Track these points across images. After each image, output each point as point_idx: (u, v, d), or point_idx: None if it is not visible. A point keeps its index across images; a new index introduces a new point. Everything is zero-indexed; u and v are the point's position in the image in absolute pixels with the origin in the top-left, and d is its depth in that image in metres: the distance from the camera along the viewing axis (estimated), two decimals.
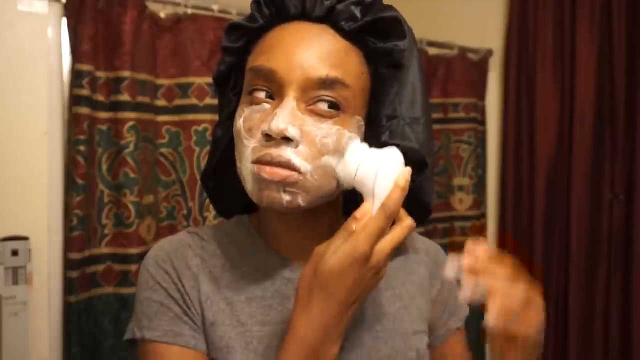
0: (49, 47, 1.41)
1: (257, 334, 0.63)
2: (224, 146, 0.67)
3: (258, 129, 0.58)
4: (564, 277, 1.99)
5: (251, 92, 0.60)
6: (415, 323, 0.71)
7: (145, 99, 1.50)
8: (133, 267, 1.47)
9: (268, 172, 0.57)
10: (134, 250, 1.47)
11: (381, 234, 0.54)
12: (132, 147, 1.46)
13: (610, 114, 1.90)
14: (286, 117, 0.56)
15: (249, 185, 0.60)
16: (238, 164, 0.61)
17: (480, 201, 2.16)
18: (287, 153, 0.57)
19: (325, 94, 0.59)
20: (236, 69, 0.66)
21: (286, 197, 0.58)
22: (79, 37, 1.40)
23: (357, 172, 0.56)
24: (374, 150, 0.58)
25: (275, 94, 0.59)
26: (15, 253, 1.35)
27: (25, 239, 1.37)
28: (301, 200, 0.59)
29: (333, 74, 0.58)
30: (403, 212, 0.57)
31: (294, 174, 0.57)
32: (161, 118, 1.56)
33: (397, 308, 0.70)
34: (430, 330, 0.74)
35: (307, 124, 0.58)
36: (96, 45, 1.42)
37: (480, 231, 2.13)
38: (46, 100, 1.40)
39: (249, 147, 0.59)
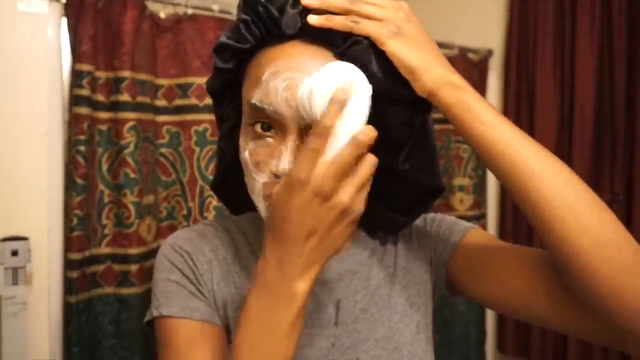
0: (49, 47, 1.41)
1: None
2: (230, 157, 0.69)
3: (265, 164, 0.60)
4: None
5: (253, 124, 0.61)
6: (411, 296, 0.71)
7: (145, 99, 1.50)
8: (133, 267, 1.47)
9: None
10: (134, 250, 1.47)
11: (315, 155, 0.51)
12: (132, 147, 1.46)
13: (609, 114, 1.91)
14: (290, 156, 0.57)
15: (262, 213, 0.62)
16: (250, 192, 0.63)
17: (480, 201, 2.16)
18: None
19: None
20: (232, 84, 0.66)
21: None
22: (79, 36, 1.40)
23: (309, 105, 0.54)
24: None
25: (276, 127, 0.60)
26: (15, 253, 1.35)
27: (25, 239, 1.37)
28: None
29: None
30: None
31: None
32: (161, 118, 1.56)
33: (392, 287, 0.71)
34: (440, 271, 0.73)
35: None
36: (96, 45, 1.42)
37: None
38: (46, 100, 1.40)
39: (258, 182, 0.61)
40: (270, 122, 0.60)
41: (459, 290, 0.73)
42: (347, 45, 0.59)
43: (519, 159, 0.55)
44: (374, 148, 0.60)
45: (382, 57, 0.58)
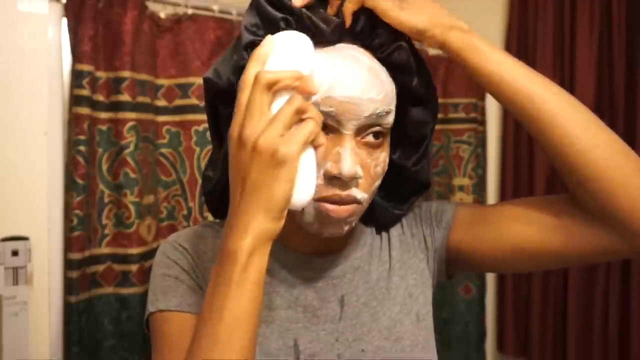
0: (49, 47, 1.41)
1: (264, 319, 0.66)
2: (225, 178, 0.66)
3: (319, 166, 0.58)
4: (562, 277, 1.99)
5: None
6: (410, 286, 0.72)
7: (145, 99, 1.50)
8: (133, 267, 1.47)
9: (338, 212, 0.59)
10: (134, 250, 1.47)
11: (248, 105, 0.50)
12: (132, 147, 1.46)
13: (609, 114, 1.91)
14: (353, 158, 0.58)
15: (308, 218, 0.61)
16: None
17: (480, 201, 2.16)
18: (353, 192, 0.59)
19: (376, 125, 0.61)
20: None
21: (346, 227, 0.62)
22: (79, 37, 1.40)
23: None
24: None
25: (329, 129, 0.59)
26: (15, 253, 1.35)
27: (25, 239, 1.37)
28: (353, 224, 0.63)
29: (384, 106, 0.61)
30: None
31: (356, 206, 0.60)
32: (161, 118, 1.56)
33: (390, 279, 0.72)
34: (437, 252, 0.74)
35: (363, 157, 0.60)
36: (96, 45, 1.42)
37: None
38: (46, 100, 1.40)
39: None
40: (323, 125, 0.58)
41: (463, 262, 0.73)
42: (390, 50, 0.62)
43: (531, 90, 0.60)
44: (393, 145, 0.67)
45: (416, 58, 0.65)
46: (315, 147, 0.54)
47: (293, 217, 0.61)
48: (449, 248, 0.73)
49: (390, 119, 0.62)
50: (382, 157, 0.63)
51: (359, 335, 0.68)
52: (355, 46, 0.62)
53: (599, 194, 0.58)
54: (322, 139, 0.54)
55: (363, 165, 0.60)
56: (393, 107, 0.62)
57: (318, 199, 0.59)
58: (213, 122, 0.66)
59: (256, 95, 0.50)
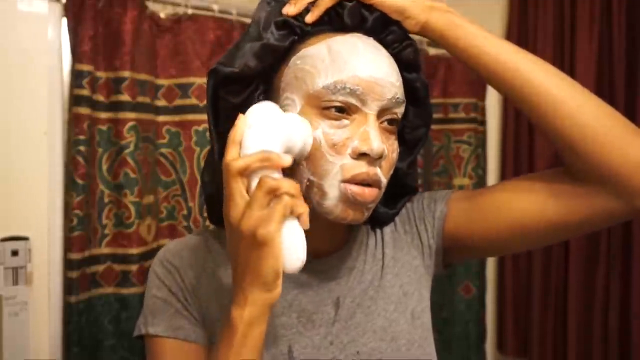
0: (49, 47, 1.41)
1: None
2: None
3: (345, 145, 0.59)
4: (563, 276, 1.99)
5: (326, 108, 0.60)
6: (404, 284, 0.71)
7: (145, 99, 1.50)
8: (133, 267, 1.47)
9: (364, 195, 0.59)
10: (134, 250, 1.47)
11: (229, 192, 0.54)
12: (132, 147, 1.46)
13: None
14: (379, 136, 0.60)
15: (331, 202, 0.61)
16: (317, 177, 0.60)
17: None
18: (378, 171, 0.60)
19: (395, 112, 0.63)
20: (270, 68, 0.64)
21: (366, 214, 0.63)
22: (79, 37, 1.40)
23: None
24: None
25: (352, 109, 0.60)
26: (15, 253, 1.35)
27: (25, 239, 1.37)
28: (371, 212, 0.64)
29: (402, 92, 0.63)
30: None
31: (379, 191, 0.62)
32: (161, 118, 1.56)
33: (384, 277, 0.71)
34: (432, 245, 0.73)
35: (384, 140, 0.61)
36: (96, 45, 1.42)
37: None
38: (46, 100, 1.40)
39: (335, 164, 0.59)
40: (347, 106, 0.60)
41: (461, 248, 0.72)
42: (402, 47, 0.65)
43: (513, 60, 0.62)
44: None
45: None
46: (297, 216, 0.54)
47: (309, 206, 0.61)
48: (446, 237, 0.72)
49: (402, 109, 0.64)
50: (395, 145, 0.64)
51: (353, 337, 0.67)
52: (372, 38, 0.64)
53: (591, 154, 0.59)
54: (302, 207, 0.54)
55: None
56: (405, 99, 0.64)
57: (344, 181, 0.59)
58: (214, 121, 0.64)
59: (231, 183, 0.53)
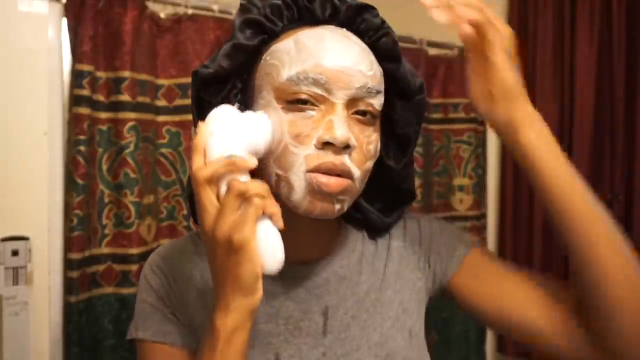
0: (49, 47, 1.41)
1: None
2: None
3: (309, 136, 0.58)
4: (563, 276, 1.99)
5: (292, 100, 0.59)
6: (404, 301, 0.70)
7: (145, 99, 1.50)
8: (133, 267, 1.47)
9: (331, 185, 0.57)
10: (134, 250, 1.47)
11: (199, 201, 0.54)
12: (132, 147, 1.46)
13: (609, 114, 1.91)
14: (345, 124, 0.57)
15: (298, 194, 0.59)
16: (282, 170, 0.59)
17: (480, 201, 2.16)
18: (346, 160, 0.58)
19: (368, 102, 0.60)
20: (242, 68, 0.64)
21: (337, 206, 0.60)
22: (79, 37, 1.40)
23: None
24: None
25: (319, 100, 0.59)
26: (15, 253, 1.35)
27: (25, 239, 1.37)
28: (345, 206, 0.61)
29: (374, 84, 0.60)
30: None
31: (350, 182, 0.59)
32: (161, 118, 1.56)
33: (383, 292, 0.69)
34: (438, 277, 0.73)
35: (355, 131, 0.59)
36: (96, 45, 1.42)
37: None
38: (46, 100, 1.40)
39: (299, 155, 0.58)
40: (312, 97, 0.58)
41: (460, 304, 0.73)
42: (378, 36, 0.63)
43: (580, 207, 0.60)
44: (383, 144, 0.66)
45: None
46: (270, 216, 0.54)
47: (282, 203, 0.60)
48: (450, 284, 0.72)
49: (379, 100, 0.62)
50: (374, 137, 0.62)
51: (347, 350, 0.65)
52: (344, 29, 0.63)
53: (605, 311, 0.58)
54: (273, 207, 0.54)
55: (356, 138, 0.59)
56: (382, 90, 0.62)
57: (310, 170, 0.58)
58: (196, 122, 0.65)
59: (201, 192, 0.53)
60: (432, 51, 2.02)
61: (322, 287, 0.67)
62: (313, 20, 0.63)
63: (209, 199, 0.53)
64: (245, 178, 0.55)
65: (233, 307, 0.53)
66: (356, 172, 0.59)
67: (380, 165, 0.67)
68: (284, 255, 0.55)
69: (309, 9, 0.62)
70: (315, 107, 0.59)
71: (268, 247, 0.54)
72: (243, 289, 0.53)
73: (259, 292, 0.54)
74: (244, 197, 0.52)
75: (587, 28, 1.93)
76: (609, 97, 1.90)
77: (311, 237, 0.68)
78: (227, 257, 0.52)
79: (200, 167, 0.54)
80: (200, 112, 0.63)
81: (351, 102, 0.59)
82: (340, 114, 0.58)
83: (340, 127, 0.57)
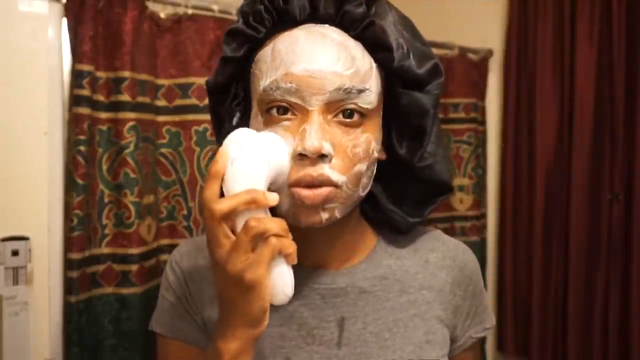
0: (49, 47, 1.40)
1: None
2: None
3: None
4: (563, 276, 1.99)
5: (268, 110, 0.58)
6: (430, 332, 0.66)
7: (145, 99, 1.50)
8: (133, 267, 1.47)
9: (312, 198, 0.56)
10: (134, 250, 1.47)
11: (213, 234, 0.52)
12: (132, 147, 1.46)
13: (609, 114, 1.91)
14: (317, 133, 0.55)
15: (284, 208, 0.58)
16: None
17: (480, 201, 2.16)
18: (325, 170, 0.56)
19: (350, 102, 0.57)
20: (236, 78, 0.64)
21: (325, 215, 0.58)
22: (79, 37, 1.40)
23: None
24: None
25: (296, 108, 0.57)
26: (15, 253, 1.35)
27: (25, 239, 1.37)
28: (337, 213, 0.59)
29: (355, 81, 0.57)
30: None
31: (332, 190, 0.57)
32: (161, 118, 1.56)
33: (410, 315, 0.66)
34: (451, 340, 0.70)
35: (336, 136, 0.57)
36: (96, 45, 1.42)
37: None
38: (46, 100, 1.40)
39: None
40: (288, 105, 0.57)
41: None
42: (363, 27, 0.59)
43: None
44: (398, 138, 0.64)
45: (404, 37, 0.62)
46: (285, 256, 0.53)
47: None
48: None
49: (368, 98, 0.58)
50: (363, 138, 0.59)
51: None
52: (327, 25, 0.60)
53: None
54: (289, 248, 0.52)
55: (337, 144, 0.57)
56: (370, 87, 0.59)
57: (291, 184, 0.56)
58: (217, 127, 0.67)
59: (215, 226, 0.51)
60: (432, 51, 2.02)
61: (339, 296, 0.65)
62: (293, 21, 0.60)
63: (223, 232, 0.51)
64: (263, 213, 0.53)
65: (238, 335, 0.54)
66: (340, 179, 0.57)
67: (396, 160, 0.65)
68: (293, 291, 0.55)
69: (287, 11, 0.60)
70: (293, 117, 0.57)
71: (279, 284, 0.54)
72: (250, 322, 0.53)
73: (265, 322, 0.54)
74: (262, 237, 0.51)
75: (587, 28, 1.93)
76: (609, 97, 1.90)
77: (325, 243, 0.66)
78: (237, 291, 0.52)
79: (215, 198, 0.51)
80: (217, 121, 0.66)
81: (330, 106, 0.57)
82: (315, 121, 0.55)
83: (312, 136, 0.54)
